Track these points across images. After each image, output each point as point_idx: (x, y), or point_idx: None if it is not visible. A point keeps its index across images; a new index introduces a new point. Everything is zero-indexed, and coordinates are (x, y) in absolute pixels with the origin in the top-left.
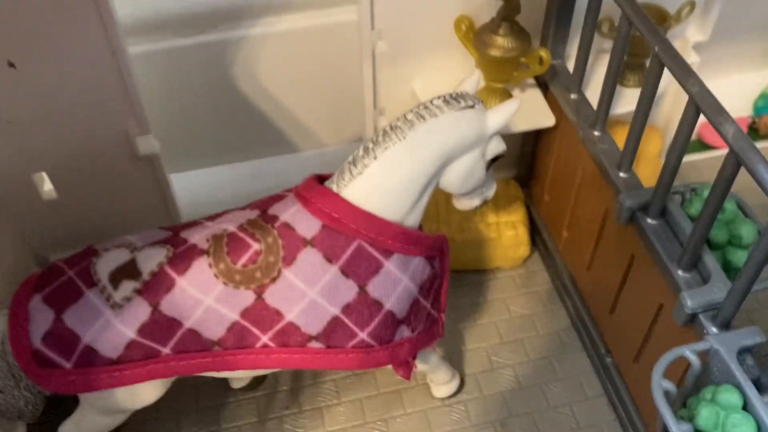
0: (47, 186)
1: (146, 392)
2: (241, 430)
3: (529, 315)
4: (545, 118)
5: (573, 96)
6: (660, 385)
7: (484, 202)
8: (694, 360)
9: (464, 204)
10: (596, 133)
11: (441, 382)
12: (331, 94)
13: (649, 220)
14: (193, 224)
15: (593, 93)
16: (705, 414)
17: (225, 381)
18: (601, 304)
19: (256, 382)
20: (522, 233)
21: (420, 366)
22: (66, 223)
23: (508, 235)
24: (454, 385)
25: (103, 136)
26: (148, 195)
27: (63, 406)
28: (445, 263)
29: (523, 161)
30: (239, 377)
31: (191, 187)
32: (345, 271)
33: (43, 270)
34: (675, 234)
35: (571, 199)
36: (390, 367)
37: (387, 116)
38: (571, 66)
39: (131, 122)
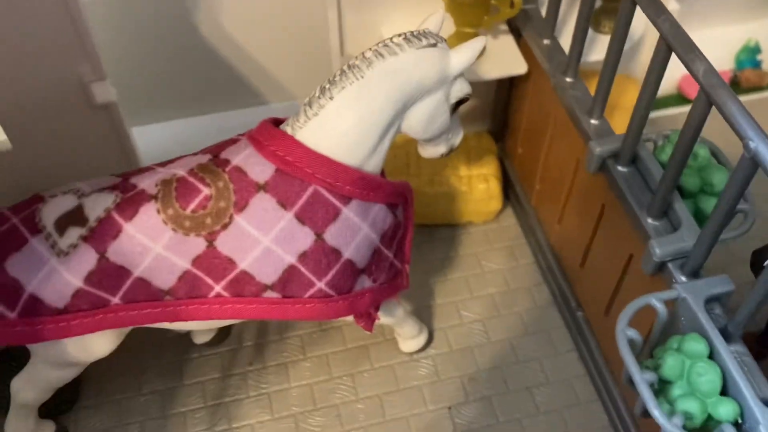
0: (0, 136)
1: (98, 344)
2: (204, 385)
3: (501, 270)
4: (517, 65)
5: (545, 42)
6: (624, 333)
7: (451, 150)
8: (661, 308)
9: (429, 151)
10: (568, 79)
11: (408, 337)
12: (299, 41)
13: (620, 168)
14: (144, 170)
15: (567, 39)
16: (670, 362)
17: (188, 337)
18: (572, 257)
19: (220, 338)
20: (494, 186)
21: (384, 319)
22: (20, 177)
23: (479, 188)
24: (422, 339)
25: (56, 82)
26: (106, 147)
27: (12, 363)
28: (408, 212)
29: (496, 114)
30: (198, 329)
31: (155, 141)
32: (300, 218)
33: None
34: (646, 182)
35: (543, 150)
36: (353, 320)
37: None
38: (544, 11)
39: (85, 67)
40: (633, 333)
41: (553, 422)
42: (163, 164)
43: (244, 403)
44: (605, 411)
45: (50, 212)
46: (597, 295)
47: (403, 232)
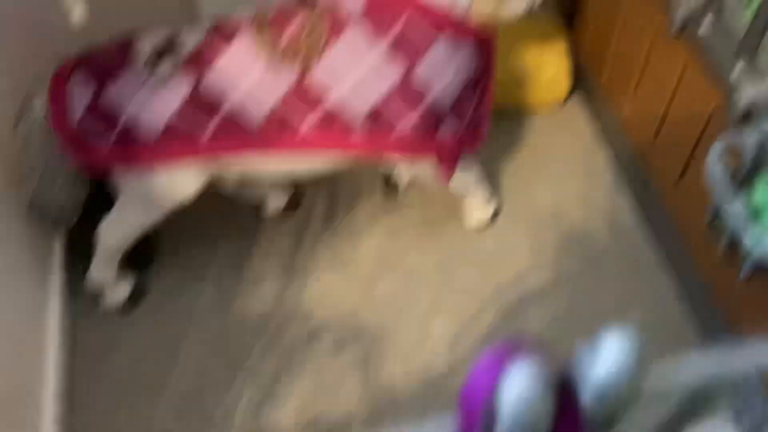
0: (79, 8)
1: (185, 181)
2: (277, 248)
3: (569, 152)
4: None
5: None
6: (716, 165)
7: (532, 6)
8: (752, 141)
9: (513, 5)
10: None
11: (478, 205)
12: None
13: (703, 25)
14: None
15: None
16: (761, 189)
17: (260, 209)
18: (644, 130)
19: (291, 206)
20: (563, 70)
21: (462, 175)
22: (93, 30)
23: (549, 70)
24: (490, 207)
25: None
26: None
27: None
28: (491, 62)
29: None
30: (276, 180)
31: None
32: (393, 48)
33: (78, 55)
34: (730, 35)
35: (616, 27)
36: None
37: None
38: None
39: None
40: (721, 168)
41: (622, 288)
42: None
43: (316, 265)
44: (677, 277)
45: (147, 44)
46: (670, 163)
47: (485, 82)
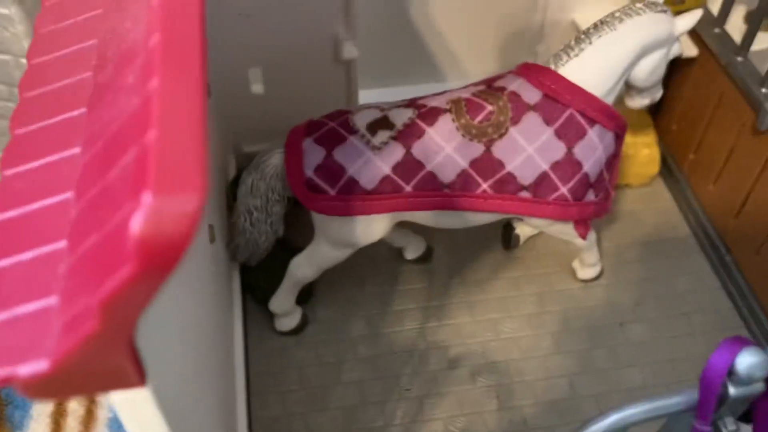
0: (258, 81)
1: (378, 226)
2: (414, 291)
3: (655, 224)
4: (688, 49)
5: (716, 30)
6: None
7: (652, 102)
8: None
9: (636, 102)
10: (739, 59)
11: (588, 263)
12: (494, 23)
13: None
14: (422, 98)
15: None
16: None
17: (399, 252)
18: (725, 211)
19: (425, 256)
20: (655, 152)
21: (590, 234)
22: (263, 119)
23: (643, 152)
24: (598, 268)
25: (315, 36)
26: (338, 98)
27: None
28: (621, 146)
29: None
30: (454, 226)
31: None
32: (558, 133)
33: (306, 122)
34: None
35: (703, 123)
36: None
37: (545, 44)
38: (711, 6)
39: (342, 27)
40: None
41: (708, 342)
42: (437, 94)
43: (448, 307)
44: (752, 336)
45: (361, 119)
46: (750, 238)
47: (615, 162)
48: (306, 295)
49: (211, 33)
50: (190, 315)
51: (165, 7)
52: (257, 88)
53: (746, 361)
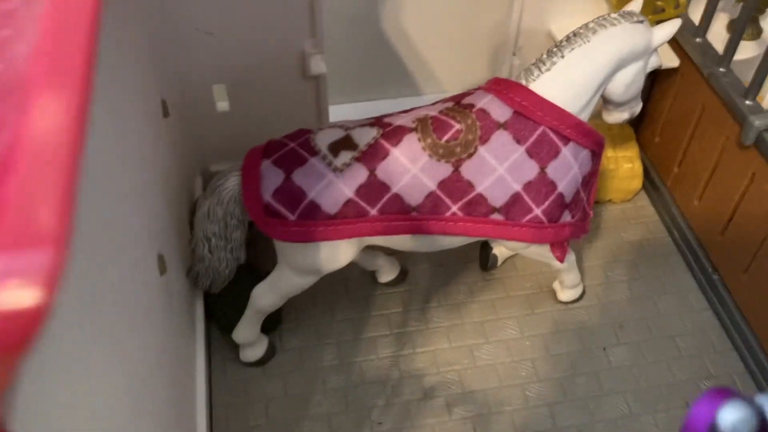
0: (223, 98)
1: (343, 252)
2: (388, 317)
3: (639, 241)
4: (669, 59)
5: (697, 40)
6: None
7: (631, 117)
8: None
9: (614, 116)
10: (722, 69)
11: (569, 285)
12: (468, 35)
13: None
14: (388, 116)
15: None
16: None
17: (372, 275)
18: (711, 227)
19: (399, 279)
20: (637, 166)
21: (568, 256)
22: (229, 137)
23: (625, 167)
24: (579, 289)
25: (282, 53)
26: (307, 114)
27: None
28: (598, 164)
29: None
30: (419, 250)
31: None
32: (530, 152)
33: (265, 143)
34: None
35: (686, 135)
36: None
37: (521, 56)
38: (692, 15)
39: (309, 42)
40: None
41: (694, 366)
42: (404, 111)
43: (424, 333)
44: (741, 359)
45: (323, 139)
46: (737, 256)
47: (594, 180)
48: (273, 323)
49: (173, 48)
50: (126, 358)
51: (51, 35)
52: (222, 105)
53: (729, 417)
